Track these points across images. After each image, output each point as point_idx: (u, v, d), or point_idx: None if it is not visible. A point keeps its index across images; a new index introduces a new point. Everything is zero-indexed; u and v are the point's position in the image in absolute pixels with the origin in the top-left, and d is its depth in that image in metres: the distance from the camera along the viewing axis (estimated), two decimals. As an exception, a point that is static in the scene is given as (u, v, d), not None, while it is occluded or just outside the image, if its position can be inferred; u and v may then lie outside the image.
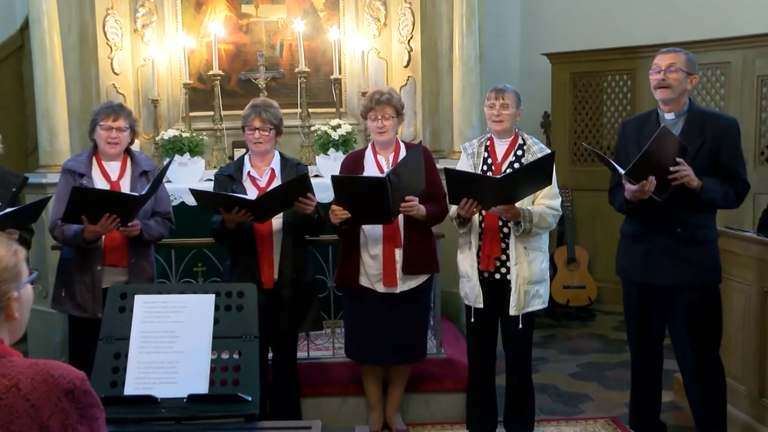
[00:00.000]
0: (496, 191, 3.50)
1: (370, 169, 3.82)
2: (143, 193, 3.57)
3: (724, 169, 3.50)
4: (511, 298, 3.73)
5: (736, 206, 3.63)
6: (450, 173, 3.56)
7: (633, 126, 3.72)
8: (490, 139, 3.88)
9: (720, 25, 6.41)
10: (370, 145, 3.92)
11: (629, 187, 3.42)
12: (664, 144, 3.30)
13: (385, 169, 3.75)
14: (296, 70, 6.15)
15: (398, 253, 3.78)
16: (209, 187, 4.04)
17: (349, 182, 3.59)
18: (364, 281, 3.83)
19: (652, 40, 6.50)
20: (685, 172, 3.34)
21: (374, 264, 3.79)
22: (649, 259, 3.58)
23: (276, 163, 3.90)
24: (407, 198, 3.59)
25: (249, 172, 3.85)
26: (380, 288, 3.78)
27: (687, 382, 3.74)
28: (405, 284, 3.80)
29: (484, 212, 3.71)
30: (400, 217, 3.70)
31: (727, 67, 6.23)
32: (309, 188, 3.61)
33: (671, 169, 3.33)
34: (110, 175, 3.76)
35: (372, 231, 3.79)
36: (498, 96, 3.77)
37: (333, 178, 3.49)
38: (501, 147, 3.84)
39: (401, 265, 3.77)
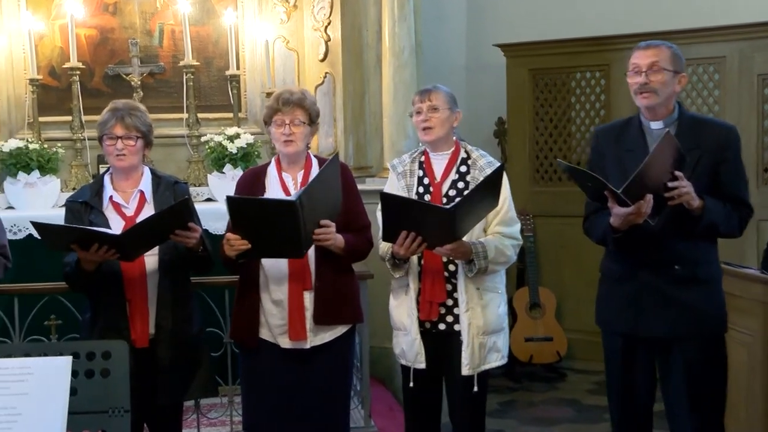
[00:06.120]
0: (447, 225, 3.51)
1: (274, 190, 3.79)
2: None
3: (723, 190, 3.57)
4: (462, 354, 3.74)
5: (739, 234, 3.70)
6: (387, 199, 3.54)
7: (608, 136, 3.77)
8: (425, 153, 3.91)
9: (713, 12, 6.64)
10: (273, 160, 3.89)
11: (618, 211, 3.42)
12: (665, 154, 3.34)
13: (292, 191, 3.72)
14: (181, 63, 6.11)
15: (308, 298, 3.73)
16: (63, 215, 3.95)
17: (249, 206, 3.56)
18: (264, 334, 3.78)
19: (628, 28, 6.67)
20: (685, 188, 3.39)
21: (277, 311, 3.74)
22: (638, 305, 3.61)
23: (146, 183, 3.83)
24: (322, 223, 3.57)
25: (111, 197, 3.77)
26: (285, 343, 3.74)
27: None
28: (317, 337, 3.75)
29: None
30: (311, 250, 3.68)
31: (722, 62, 6.44)
32: (191, 216, 3.56)
33: (669, 184, 3.37)
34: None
35: (274, 268, 3.74)
36: (424, 98, 3.82)
37: (229, 199, 3.45)
38: (439, 162, 3.87)
39: (312, 313, 3.74)
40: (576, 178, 3.57)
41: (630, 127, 3.69)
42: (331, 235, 3.59)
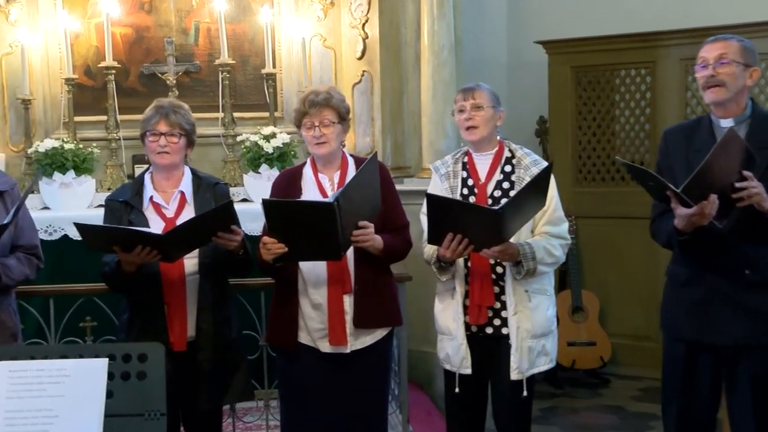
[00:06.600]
0: (494, 226, 3.48)
1: (310, 192, 3.79)
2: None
3: None
4: (511, 358, 3.72)
5: None
6: (433, 201, 3.52)
7: (678, 137, 3.69)
8: (468, 153, 3.89)
9: (763, 5, 6.55)
10: (309, 160, 3.89)
11: (682, 212, 3.35)
12: (730, 152, 3.27)
13: (329, 192, 3.72)
14: (216, 62, 6.13)
15: (347, 301, 3.73)
16: (101, 215, 3.97)
17: (285, 209, 3.55)
18: (303, 338, 3.78)
19: (674, 24, 6.61)
20: (755, 189, 3.29)
21: (317, 315, 3.74)
22: (705, 310, 3.53)
23: (186, 183, 3.84)
24: (360, 224, 3.56)
25: (152, 197, 3.79)
26: (325, 347, 3.74)
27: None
28: (358, 341, 3.75)
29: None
30: (349, 253, 3.68)
31: (777, 58, 6.36)
32: (234, 219, 3.57)
33: (737, 185, 3.28)
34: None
35: (312, 272, 3.73)
36: (467, 96, 3.80)
37: (265, 202, 3.45)
38: (483, 163, 3.84)
39: (352, 317, 3.74)
40: (637, 178, 3.51)
41: (700, 127, 3.62)
42: (369, 236, 3.58)
